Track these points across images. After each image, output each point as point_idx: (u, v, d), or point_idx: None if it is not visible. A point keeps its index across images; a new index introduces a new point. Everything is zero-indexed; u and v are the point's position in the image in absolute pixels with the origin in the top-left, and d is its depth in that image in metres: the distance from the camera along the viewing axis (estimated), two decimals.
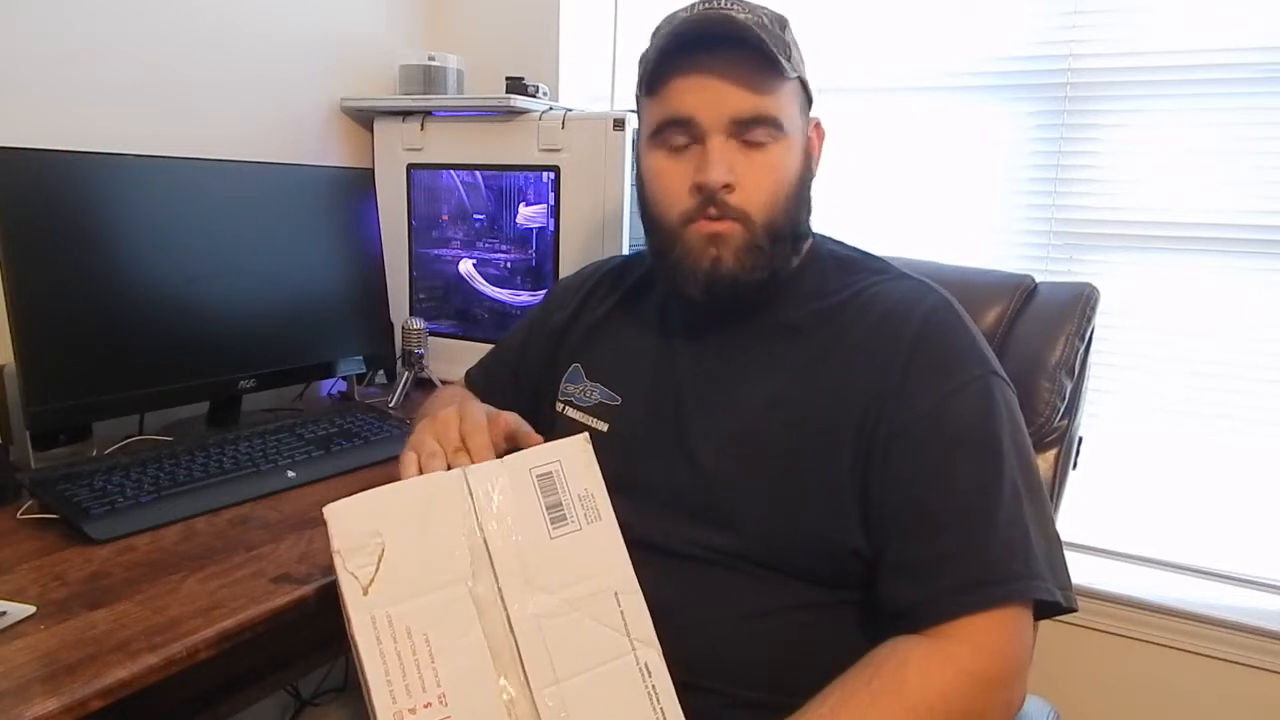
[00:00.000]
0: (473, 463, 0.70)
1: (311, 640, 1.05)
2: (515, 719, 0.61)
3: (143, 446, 1.15)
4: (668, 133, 0.80)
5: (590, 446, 0.70)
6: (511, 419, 0.75)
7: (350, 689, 1.67)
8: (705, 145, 0.78)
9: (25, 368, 1.01)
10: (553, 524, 0.66)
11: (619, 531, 0.68)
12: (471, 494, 0.64)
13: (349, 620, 0.60)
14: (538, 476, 0.67)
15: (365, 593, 0.60)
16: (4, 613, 0.74)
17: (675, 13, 0.82)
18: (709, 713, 0.74)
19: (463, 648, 0.61)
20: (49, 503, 0.95)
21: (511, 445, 0.75)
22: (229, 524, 0.96)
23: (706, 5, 0.80)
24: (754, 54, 0.76)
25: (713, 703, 0.74)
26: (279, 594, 0.81)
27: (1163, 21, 1.32)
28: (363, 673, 0.59)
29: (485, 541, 0.64)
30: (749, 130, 0.78)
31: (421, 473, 0.70)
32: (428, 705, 0.59)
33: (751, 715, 0.74)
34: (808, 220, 0.86)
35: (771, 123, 0.78)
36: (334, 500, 0.62)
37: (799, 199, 0.82)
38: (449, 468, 0.70)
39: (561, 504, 0.67)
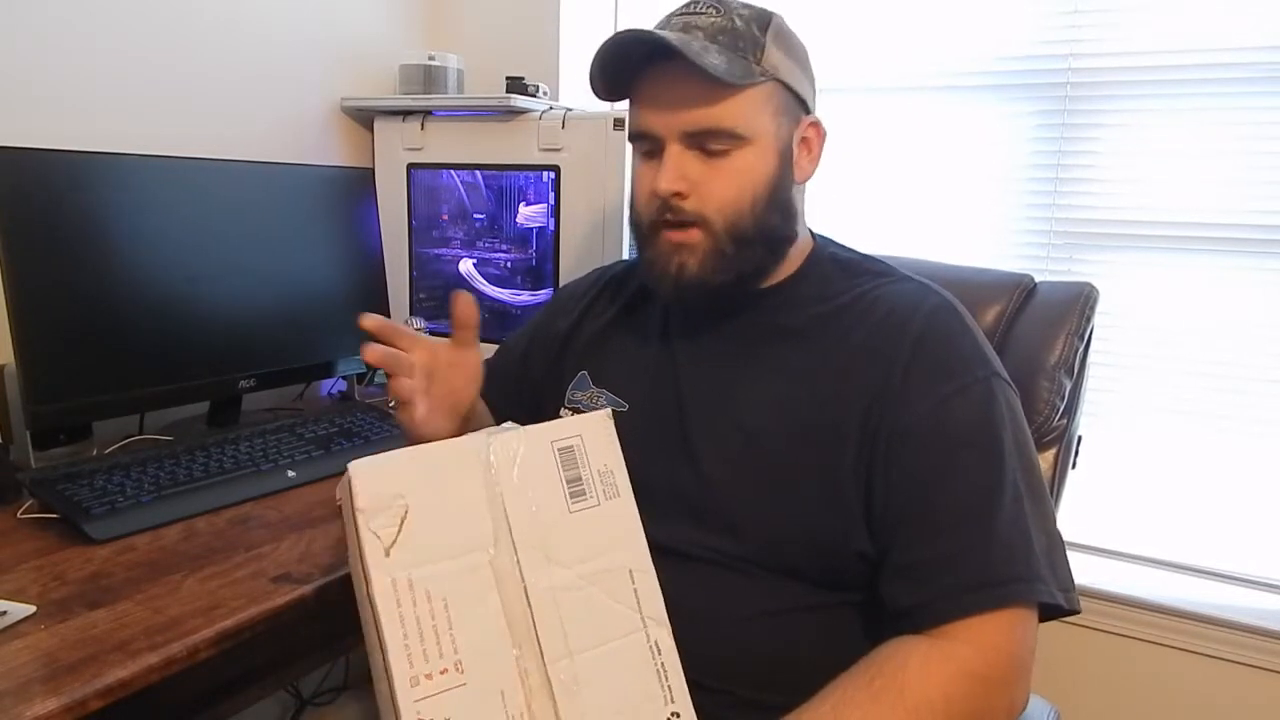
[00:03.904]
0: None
1: (311, 640, 1.05)
2: (528, 690, 0.61)
3: (143, 446, 1.15)
4: (637, 141, 0.84)
5: (612, 423, 0.70)
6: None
7: (351, 688, 1.68)
8: (664, 154, 0.80)
9: (25, 368, 1.01)
10: (572, 498, 0.66)
11: (636, 509, 0.68)
12: (493, 463, 0.64)
13: (368, 581, 0.59)
14: (559, 450, 0.67)
15: (387, 554, 0.59)
16: (4, 612, 0.74)
17: (671, 11, 0.83)
18: (712, 712, 0.74)
19: (480, 616, 0.61)
20: (49, 502, 0.95)
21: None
22: (229, 524, 0.96)
23: (679, 10, 0.81)
24: (696, 67, 0.76)
25: (715, 702, 0.74)
26: (279, 594, 0.81)
27: (1163, 21, 1.32)
28: (380, 635, 0.58)
29: (505, 511, 0.64)
30: (705, 140, 0.79)
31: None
32: (444, 671, 0.59)
33: (754, 714, 0.74)
34: (788, 224, 0.84)
35: (725, 133, 0.79)
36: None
37: (771, 203, 0.81)
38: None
39: (581, 479, 0.67)
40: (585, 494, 0.67)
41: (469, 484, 0.63)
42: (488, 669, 0.60)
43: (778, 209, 0.82)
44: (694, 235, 0.81)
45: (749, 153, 0.80)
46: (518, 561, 0.63)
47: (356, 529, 0.60)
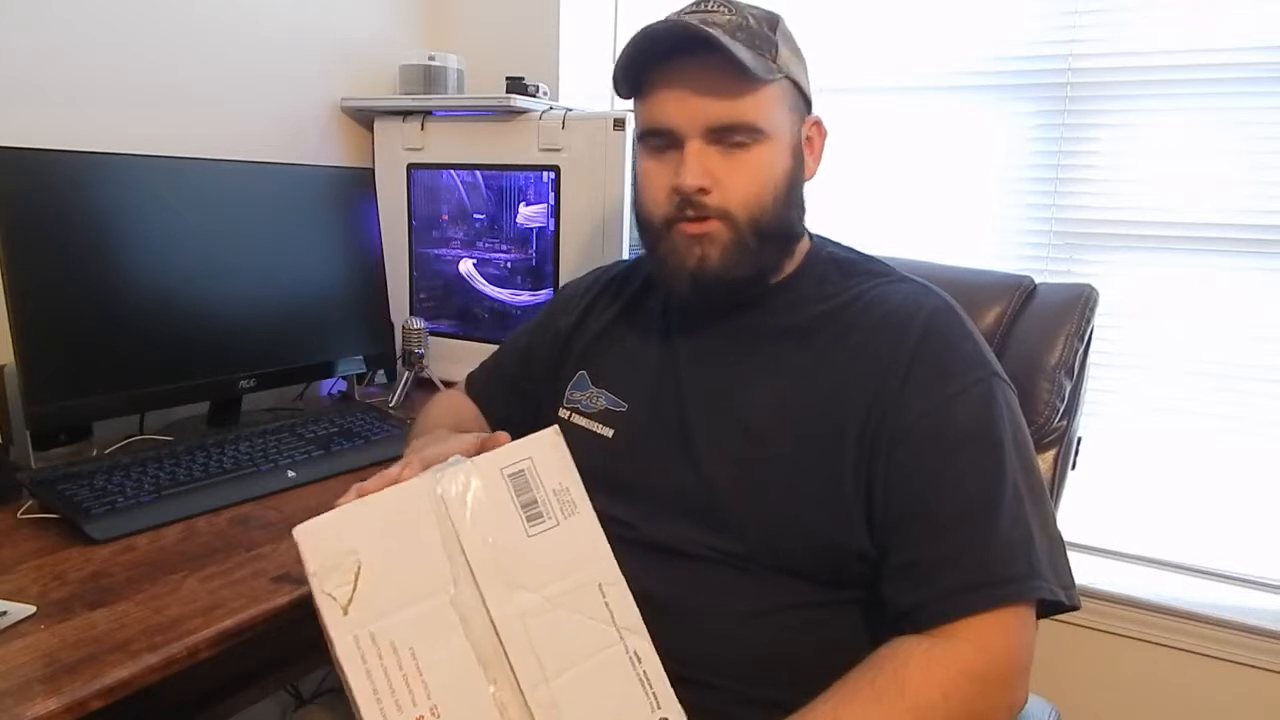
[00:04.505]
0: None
1: (311, 640, 1.04)
2: None
3: (143, 446, 1.15)
4: (650, 138, 0.83)
5: (562, 439, 0.69)
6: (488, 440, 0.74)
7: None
8: (683, 150, 0.79)
9: (25, 368, 1.01)
10: (529, 522, 0.65)
11: (598, 523, 0.68)
12: (444, 500, 0.64)
13: (331, 642, 0.59)
14: (509, 476, 0.66)
15: (345, 613, 0.59)
16: (4, 613, 0.74)
17: (679, 11, 0.82)
18: (716, 708, 0.74)
19: (449, 657, 0.61)
20: (49, 502, 0.95)
21: None
22: (229, 524, 0.96)
23: (691, 9, 0.81)
24: (726, 60, 0.76)
25: (719, 699, 0.75)
26: (279, 594, 0.81)
27: (1163, 21, 1.32)
28: (350, 693, 0.58)
29: (462, 547, 0.63)
30: (728, 134, 0.79)
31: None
32: (420, 719, 0.59)
33: (757, 711, 0.74)
34: (799, 221, 0.85)
35: (748, 128, 0.78)
36: (309, 518, 0.61)
37: (788, 199, 0.82)
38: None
39: (536, 501, 0.66)
40: (542, 516, 0.66)
41: (421, 526, 0.63)
42: (464, 708, 0.60)
43: (795, 204, 0.83)
44: (714, 226, 0.80)
45: (768, 148, 0.80)
46: (480, 596, 0.62)
47: (312, 591, 0.59)
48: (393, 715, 0.58)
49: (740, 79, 0.77)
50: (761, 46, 0.79)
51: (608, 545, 0.67)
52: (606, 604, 0.66)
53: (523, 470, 0.66)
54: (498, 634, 0.62)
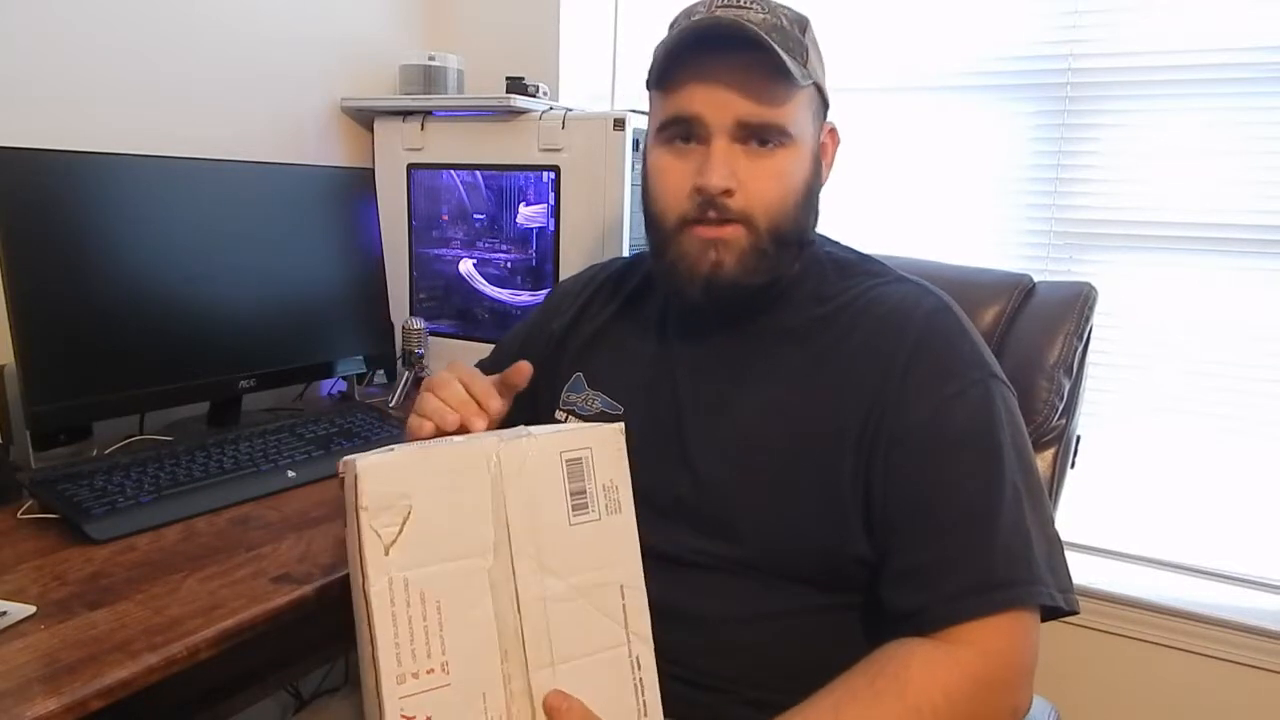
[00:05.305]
0: (484, 413, 0.73)
1: (311, 640, 1.05)
2: (509, 694, 0.62)
3: (143, 446, 1.15)
4: (673, 129, 0.80)
5: (623, 437, 0.69)
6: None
7: (349, 686, 1.67)
8: (709, 147, 0.77)
9: (25, 368, 1.01)
10: (574, 510, 0.66)
11: (635, 527, 0.68)
12: (501, 469, 0.64)
13: (365, 577, 0.60)
14: (567, 461, 0.67)
15: (386, 553, 0.60)
16: (4, 613, 0.74)
17: (694, 6, 0.81)
18: (717, 709, 0.74)
19: (471, 620, 0.62)
20: (49, 502, 0.95)
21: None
22: (229, 524, 0.96)
23: (723, 3, 0.78)
24: (767, 60, 0.74)
25: (721, 700, 0.75)
26: (279, 594, 0.81)
27: (1163, 21, 1.32)
28: (372, 632, 0.59)
29: (507, 518, 0.64)
30: (757, 134, 0.77)
31: (438, 430, 0.73)
32: (430, 671, 0.60)
33: (759, 712, 0.74)
34: (814, 228, 0.85)
35: (779, 130, 0.77)
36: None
37: (806, 206, 0.81)
38: (460, 428, 0.72)
39: (585, 492, 0.67)
40: (587, 507, 0.67)
41: (475, 489, 0.63)
42: (472, 672, 0.61)
43: (812, 210, 0.83)
44: (732, 231, 0.78)
45: (793, 153, 0.79)
46: (513, 569, 0.63)
47: (358, 525, 0.60)
48: (407, 662, 0.59)
49: (776, 80, 0.75)
50: (794, 50, 0.77)
51: (639, 550, 0.68)
52: (624, 606, 0.67)
53: (580, 459, 0.67)
54: (519, 610, 0.63)
